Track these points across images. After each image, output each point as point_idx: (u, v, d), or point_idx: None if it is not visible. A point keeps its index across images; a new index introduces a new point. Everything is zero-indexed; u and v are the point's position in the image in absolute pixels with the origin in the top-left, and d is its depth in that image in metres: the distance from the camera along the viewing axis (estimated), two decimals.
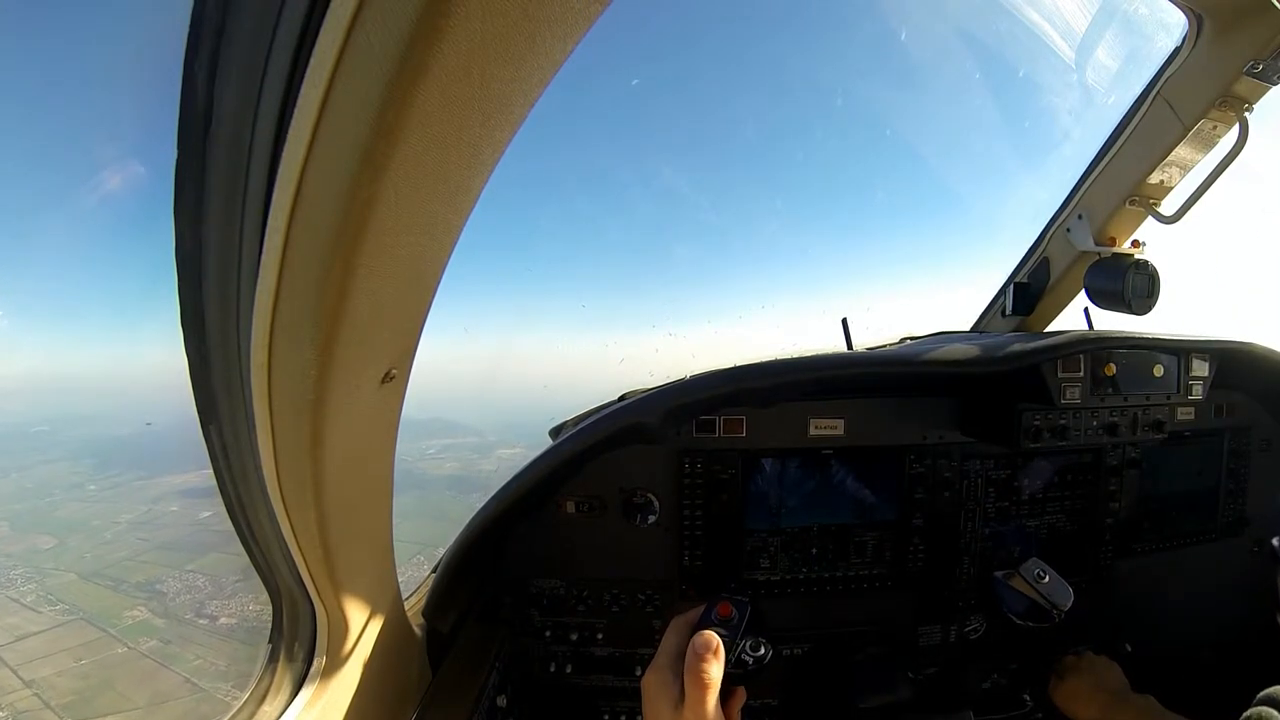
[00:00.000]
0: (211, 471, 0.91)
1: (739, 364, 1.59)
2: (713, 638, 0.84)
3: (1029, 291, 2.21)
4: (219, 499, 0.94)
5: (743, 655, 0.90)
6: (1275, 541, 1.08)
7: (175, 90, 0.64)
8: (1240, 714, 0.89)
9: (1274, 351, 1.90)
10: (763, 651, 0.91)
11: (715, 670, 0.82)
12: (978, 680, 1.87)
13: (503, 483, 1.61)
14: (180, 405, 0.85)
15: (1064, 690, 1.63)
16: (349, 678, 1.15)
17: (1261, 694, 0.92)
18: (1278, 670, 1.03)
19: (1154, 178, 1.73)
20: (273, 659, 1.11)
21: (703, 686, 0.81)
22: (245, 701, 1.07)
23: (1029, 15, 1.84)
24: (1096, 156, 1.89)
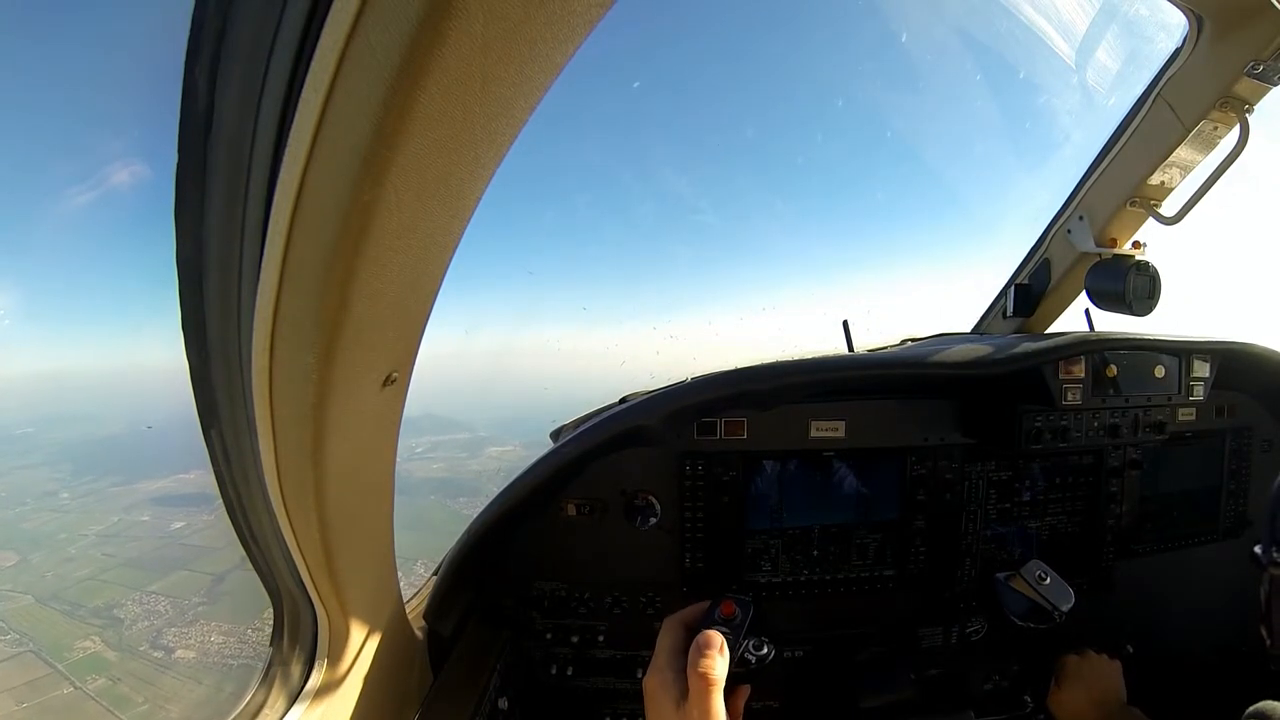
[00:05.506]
0: (212, 475, 0.90)
1: (740, 366, 1.59)
2: (715, 635, 0.85)
3: (1030, 293, 2.21)
4: (219, 502, 0.94)
5: (746, 654, 0.90)
6: (1257, 549, 1.07)
7: (176, 93, 0.64)
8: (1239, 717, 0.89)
9: (1274, 352, 1.90)
10: (765, 650, 0.91)
11: (719, 666, 0.82)
12: (979, 681, 1.87)
13: (498, 484, 1.61)
14: (175, 407, 0.84)
15: (1058, 699, 1.63)
16: (350, 680, 1.14)
17: (1251, 709, 0.92)
18: (1275, 673, 1.03)
19: (1155, 179, 1.73)
20: (274, 661, 1.11)
21: (707, 683, 0.81)
22: (247, 703, 1.07)
23: (1029, 16, 1.84)
24: (1097, 158, 1.88)
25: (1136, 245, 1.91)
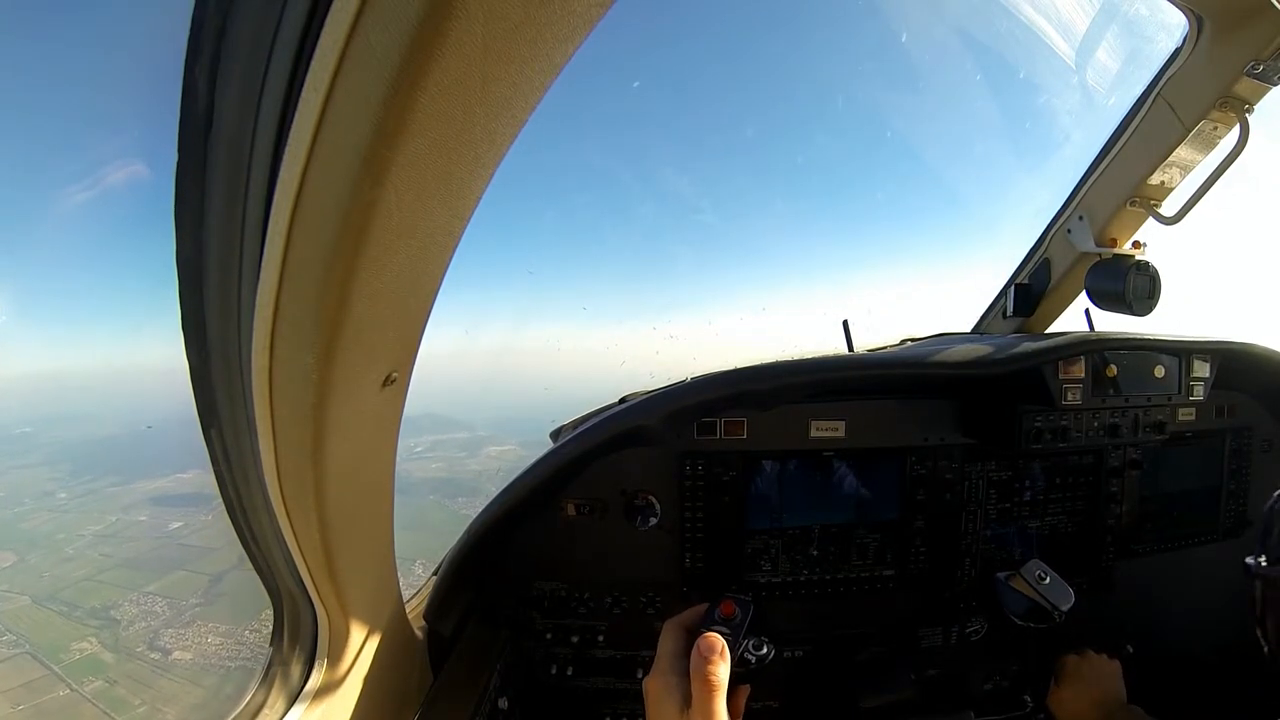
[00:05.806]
0: (212, 475, 0.90)
1: (740, 366, 1.59)
2: (717, 639, 0.85)
3: (1030, 293, 2.21)
4: (218, 502, 0.94)
5: (745, 654, 0.90)
6: (1249, 559, 1.09)
7: (176, 93, 0.64)
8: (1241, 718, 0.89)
9: (1274, 352, 1.90)
10: (765, 650, 0.92)
11: (723, 671, 0.83)
12: (979, 681, 1.87)
13: (498, 484, 1.61)
14: (175, 407, 0.84)
15: (1058, 699, 1.63)
16: (350, 680, 1.14)
17: None
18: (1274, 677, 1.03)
19: (1155, 179, 1.73)
20: (274, 661, 1.11)
21: (710, 688, 0.81)
22: (247, 703, 1.07)
23: (1029, 16, 1.84)
24: (1097, 157, 1.89)
25: (1136, 245, 1.91)
